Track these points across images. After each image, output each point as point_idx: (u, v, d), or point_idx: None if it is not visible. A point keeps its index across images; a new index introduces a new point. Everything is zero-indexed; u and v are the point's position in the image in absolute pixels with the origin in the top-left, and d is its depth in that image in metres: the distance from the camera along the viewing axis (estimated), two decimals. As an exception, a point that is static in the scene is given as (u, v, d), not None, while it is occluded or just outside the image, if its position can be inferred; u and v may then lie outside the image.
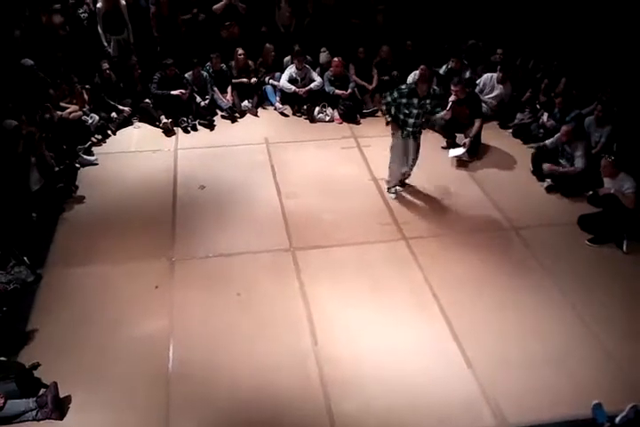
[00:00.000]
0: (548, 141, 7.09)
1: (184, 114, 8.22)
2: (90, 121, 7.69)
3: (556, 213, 6.62)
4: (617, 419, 4.16)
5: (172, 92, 8.11)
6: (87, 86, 7.90)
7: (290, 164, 7.43)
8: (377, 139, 8.10)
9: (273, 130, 8.33)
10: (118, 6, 8.34)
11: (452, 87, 7.42)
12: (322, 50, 9.04)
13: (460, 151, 7.48)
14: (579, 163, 6.74)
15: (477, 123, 7.53)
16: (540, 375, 4.64)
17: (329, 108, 8.62)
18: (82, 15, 8.40)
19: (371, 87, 8.95)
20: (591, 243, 6.11)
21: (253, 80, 8.75)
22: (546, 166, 6.97)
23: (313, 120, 8.59)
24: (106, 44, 8.49)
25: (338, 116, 8.59)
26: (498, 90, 8.33)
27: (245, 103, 8.72)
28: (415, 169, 7.37)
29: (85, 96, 7.82)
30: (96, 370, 4.60)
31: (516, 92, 8.50)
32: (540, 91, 8.16)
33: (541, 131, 7.78)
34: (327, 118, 8.60)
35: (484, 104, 8.15)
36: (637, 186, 5.90)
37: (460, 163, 7.52)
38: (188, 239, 6.08)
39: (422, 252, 5.94)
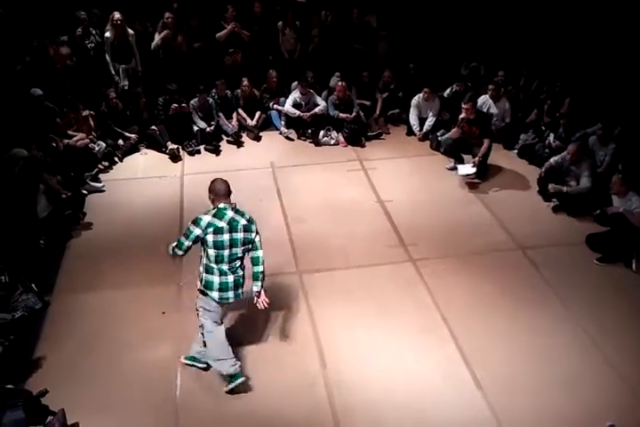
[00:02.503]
0: (552, 160, 7.06)
1: (188, 137, 8.35)
2: (97, 148, 7.78)
3: (564, 232, 6.60)
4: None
5: (170, 113, 8.27)
6: (92, 112, 8.01)
7: (296, 187, 7.47)
8: (382, 161, 8.18)
9: (278, 154, 8.39)
10: (126, 35, 8.50)
11: (463, 105, 7.47)
12: (336, 74, 9.14)
13: (470, 170, 7.45)
14: (586, 182, 6.73)
15: (486, 143, 7.52)
16: (552, 397, 4.57)
17: (334, 132, 8.70)
18: (89, 45, 8.58)
19: (376, 114, 9.07)
20: (600, 262, 6.07)
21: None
22: (550, 186, 6.96)
23: (318, 144, 8.66)
24: (114, 72, 8.64)
25: (343, 140, 8.66)
26: (494, 109, 8.33)
27: (249, 121, 8.87)
28: (421, 191, 7.39)
29: (91, 123, 7.93)
30: (104, 397, 4.57)
31: (520, 113, 8.56)
32: (544, 112, 8.20)
33: (546, 151, 7.80)
34: (332, 142, 8.67)
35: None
36: None
37: (464, 182, 7.52)
38: (196, 264, 6.00)
39: (430, 273, 5.91)
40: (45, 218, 6.26)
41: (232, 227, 4.24)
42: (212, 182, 4.38)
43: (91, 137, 7.79)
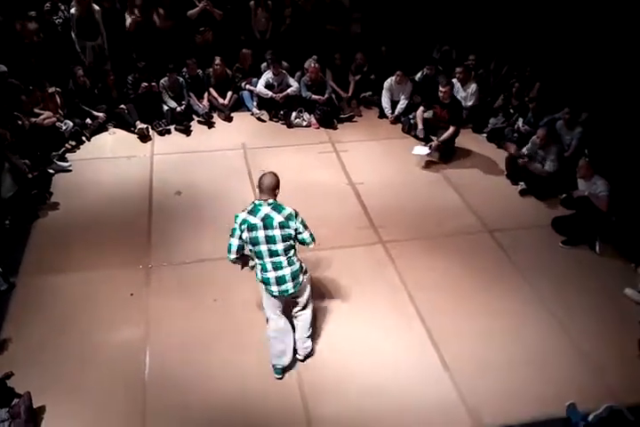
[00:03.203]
0: (525, 150, 7.13)
1: (157, 117, 8.24)
2: (64, 127, 7.62)
3: (530, 215, 6.71)
4: (590, 417, 4.21)
5: (139, 91, 8.16)
6: (58, 90, 7.82)
7: (267, 169, 7.38)
8: (354, 144, 8.18)
9: (250, 135, 8.33)
10: (92, 12, 8.28)
11: (441, 88, 7.50)
12: (313, 57, 9.05)
13: (424, 151, 7.55)
14: (549, 166, 6.85)
15: (451, 129, 7.61)
16: (517, 377, 4.68)
17: (306, 114, 8.66)
18: (56, 21, 8.35)
19: (346, 95, 9.03)
20: (565, 245, 6.20)
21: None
22: (520, 161, 7.04)
23: (290, 125, 8.61)
24: (80, 50, 8.43)
25: (315, 122, 8.62)
26: (462, 92, 8.36)
27: (221, 101, 8.78)
28: (392, 173, 7.41)
29: (58, 100, 7.76)
30: (71, 379, 4.54)
31: (490, 97, 8.61)
32: (512, 95, 8.27)
33: (515, 135, 7.88)
34: (304, 123, 8.63)
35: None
36: (610, 189, 6.02)
37: (432, 165, 7.61)
38: (165, 245, 6.04)
39: (399, 255, 5.97)
40: (11, 198, 6.14)
41: (266, 224, 4.12)
42: (261, 175, 4.29)
43: (57, 115, 7.63)
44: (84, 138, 7.93)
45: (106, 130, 8.22)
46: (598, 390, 4.57)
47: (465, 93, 8.32)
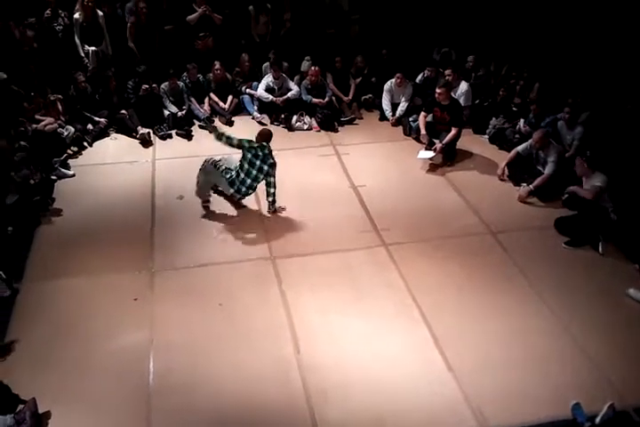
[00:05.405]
0: (520, 148, 7.16)
1: (159, 121, 8.27)
2: (65, 133, 7.62)
3: (533, 216, 6.70)
4: (597, 419, 4.20)
5: (140, 93, 8.19)
6: (59, 96, 7.84)
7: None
8: (356, 146, 8.19)
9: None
10: (96, 17, 8.35)
11: (437, 89, 7.52)
12: (306, 58, 9.11)
13: (429, 155, 7.57)
14: (549, 168, 6.85)
15: (453, 131, 7.60)
16: (521, 377, 4.67)
17: (307, 117, 8.67)
18: (57, 28, 8.38)
19: (347, 99, 9.04)
20: (568, 245, 6.18)
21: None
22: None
23: (291, 129, 8.62)
24: (83, 55, 8.47)
25: (316, 125, 8.63)
26: (458, 90, 8.33)
27: (222, 105, 8.82)
28: (394, 176, 7.43)
29: (60, 107, 7.78)
30: (76, 385, 4.54)
31: (490, 98, 8.60)
32: (516, 93, 8.27)
33: (517, 136, 7.87)
34: (305, 127, 8.64)
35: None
36: (607, 182, 6.05)
37: (435, 167, 7.60)
38: (168, 250, 6.05)
39: (402, 257, 5.96)
40: (13, 205, 6.15)
41: (264, 159, 6.27)
42: (263, 128, 6.69)
43: (59, 122, 7.64)
44: (85, 144, 7.92)
45: (107, 135, 8.23)
46: (603, 391, 4.54)
47: (456, 95, 8.25)
